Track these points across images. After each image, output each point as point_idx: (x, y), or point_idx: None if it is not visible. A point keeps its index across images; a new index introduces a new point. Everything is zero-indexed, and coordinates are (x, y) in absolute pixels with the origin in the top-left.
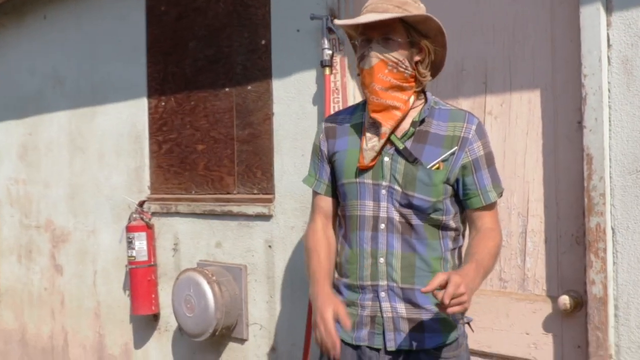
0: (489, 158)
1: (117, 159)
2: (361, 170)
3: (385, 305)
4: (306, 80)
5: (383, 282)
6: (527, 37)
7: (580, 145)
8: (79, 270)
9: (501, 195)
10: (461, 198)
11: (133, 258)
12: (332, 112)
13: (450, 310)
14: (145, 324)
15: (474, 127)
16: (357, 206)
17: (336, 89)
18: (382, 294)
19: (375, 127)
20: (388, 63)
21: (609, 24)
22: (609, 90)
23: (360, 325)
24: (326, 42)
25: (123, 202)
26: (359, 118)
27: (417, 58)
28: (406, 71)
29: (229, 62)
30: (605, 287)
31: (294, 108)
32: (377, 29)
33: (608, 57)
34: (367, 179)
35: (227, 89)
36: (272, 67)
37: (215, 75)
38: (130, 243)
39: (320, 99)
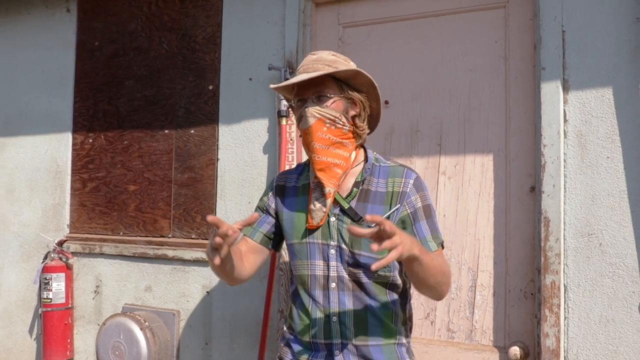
0: (427, 210)
1: (30, 194)
2: (310, 230)
3: None
4: (257, 128)
5: (337, 340)
6: (482, 105)
7: (531, 208)
8: None
9: (442, 247)
10: None
11: (49, 300)
12: (287, 161)
13: (383, 245)
14: None
15: (411, 182)
16: (307, 266)
17: (291, 139)
18: (337, 352)
19: (320, 187)
20: (325, 120)
21: (565, 101)
22: (564, 161)
23: None
24: None
25: (34, 240)
26: (305, 179)
27: (352, 113)
28: (344, 127)
29: (170, 104)
30: (558, 340)
31: (241, 155)
32: (311, 88)
33: (564, 130)
34: (317, 238)
35: (166, 131)
36: (219, 112)
37: (153, 116)
38: (46, 284)
39: (272, 148)
